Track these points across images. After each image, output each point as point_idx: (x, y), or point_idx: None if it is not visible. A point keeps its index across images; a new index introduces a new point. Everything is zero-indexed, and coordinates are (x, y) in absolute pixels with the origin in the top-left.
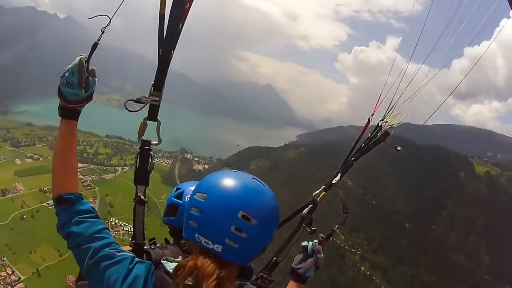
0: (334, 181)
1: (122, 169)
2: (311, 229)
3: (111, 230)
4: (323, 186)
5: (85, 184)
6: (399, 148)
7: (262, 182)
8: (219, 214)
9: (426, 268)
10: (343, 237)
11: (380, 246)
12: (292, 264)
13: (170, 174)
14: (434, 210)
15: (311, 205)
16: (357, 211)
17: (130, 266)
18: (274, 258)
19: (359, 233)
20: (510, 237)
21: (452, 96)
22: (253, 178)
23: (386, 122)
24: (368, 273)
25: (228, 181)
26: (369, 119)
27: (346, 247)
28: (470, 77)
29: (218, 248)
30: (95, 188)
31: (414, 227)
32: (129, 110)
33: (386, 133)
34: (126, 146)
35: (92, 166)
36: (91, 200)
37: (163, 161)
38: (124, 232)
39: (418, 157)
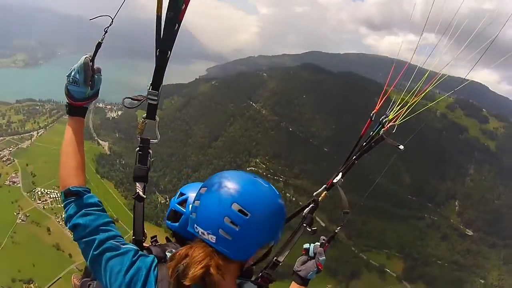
0: (335, 181)
1: (37, 133)
2: (311, 229)
3: (39, 201)
4: (324, 186)
5: (4, 159)
6: (401, 147)
7: (266, 182)
8: (214, 204)
9: (348, 188)
10: (264, 166)
11: (302, 171)
12: (294, 266)
13: (85, 128)
14: (351, 133)
15: (312, 205)
16: (275, 138)
17: (134, 259)
18: (275, 258)
19: (279, 160)
20: (428, 158)
21: (365, 27)
22: (255, 177)
23: (388, 120)
24: (293, 198)
25: (228, 176)
26: (371, 117)
27: (269, 175)
28: (385, 9)
29: (212, 238)
30: (14, 160)
31: (333, 150)
32: (126, 107)
33: (388, 131)
34: (38, 107)
35: (7, 138)
36: (14, 175)
37: None
38: (52, 199)
39: (333, 83)
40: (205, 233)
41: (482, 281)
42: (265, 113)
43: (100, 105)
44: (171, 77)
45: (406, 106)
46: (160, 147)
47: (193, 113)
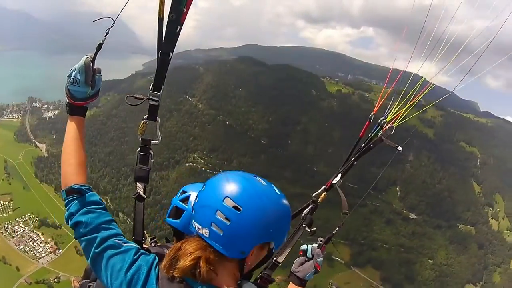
0: (334, 181)
1: None
2: (311, 230)
3: None
4: (323, 187)
5: None
6: (400, 148)
7: (267, 182)
8: (208, 199)
9: (289, 180)
10: (202, 160)
11: (240, 164)
12: (292, 268)
13: (22, 129)
14: (289, 125)
15: (311, 206)
16: (212, 133)
17: (135, 257)
18: (274, 258)
19: (217, 154)
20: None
21: (303, 20)
22: (255, 176)
23: (387, 122)
24: None
25: (227, 174)
26: (369, 118)
27: (208, 170)
28: (323, 3)
29: (206, 233)
30: None
31: (270, 143)
32: (129, 104)
33: (387, 133)
34: None
35: None
36: None
37: (13, 116)
38: None
39: (269, 76)
40: (200, 227)
41: (431, 261)
42: (202, 107)
43: (37, 104)
44: (107, 72)
45: (404, 108)
46: (97, 147)
47: (130, 110)
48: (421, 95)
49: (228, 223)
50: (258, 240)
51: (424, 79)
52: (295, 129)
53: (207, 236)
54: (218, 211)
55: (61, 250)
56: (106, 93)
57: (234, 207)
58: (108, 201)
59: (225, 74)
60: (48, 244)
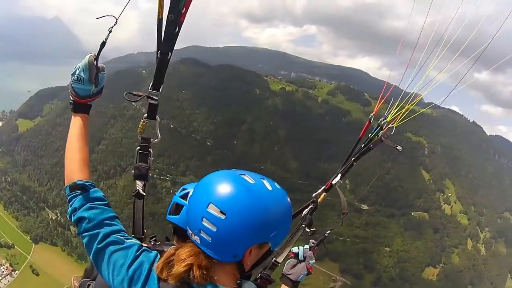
0: (334, 182)
1: None
2: (311, 230)
3: None
4: (323, 187)
5: None
6: (399, 147)
7: (256, 177)
8: (195, 204)
9: None
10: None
11: (187, 167)
12: (283, 270)
13: None
14: (234, 125)
15: (311, 206)
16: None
17: (137, 253)
18: (274, 259)
19: (164, 158)
20: (313, 142)
21: (246, 19)
22: (241, 175)
23: (387, 122)
24: None
25: (213, 175)
26: (369, 119)
27: (155, 176)
28: (266, 2)
29: (197, 239)
30: None
31: (216, 144)
32: (128, 100)
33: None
34: None
35: None
36: None
37: None
38: None
39: (212, 77)
40: (192, 234)
41: (388, 249)
42: (145, 111)
43: None
44: (50, 79)
45: (404, 109)
46: (43, 158)
47: None
48: (420, 97)
49: (215, 229)
50: (250, 242)
51: (422, 81)
52: (240, 129)
53: (199, 242)
54: (204, 218)
55: (16, 272)
56: (49, 101)
57: (219, 213)
58: (59, 215)
59: (168, 77)
60: (3, 266)
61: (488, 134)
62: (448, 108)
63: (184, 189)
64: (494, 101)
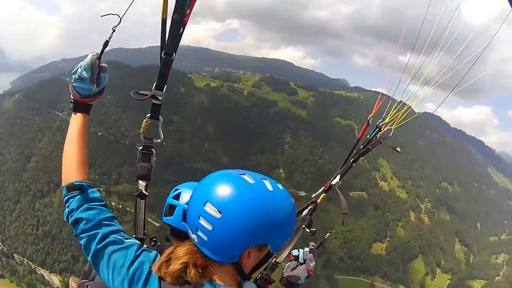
0: (333, 183)
1: None
2: (311, 230)
3: None
4: (322, 188)
5: None
6: (398, 149)
7: (256, 177)
8: (193, 203)
9: (171, 182)
10: None
11: (120, 175)
12: (283, 272)
13: None
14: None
15: (311, 207)
16: (88, 148)
17: (137, 253)
18: (274, 259)
19: (95, 168)
20: (242, 136)
21: (168, 17)
22: (241, 174)
23: (385, 123)
24: (120, 206)
25: (212, 175)
26: (368, 120)
27: None
28: None
29: (195, 238)
30: None
31: None
32: (135, 98)
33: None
34: None
35: None
36: None
37: None
38: None
39: (136, 79)
40: (190, 232)
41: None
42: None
43: None
44: None
45: (402, 111)
46: None
47: (1, 135)
48: (419, 98)
49: (210, 228)
50: (246, 243)
51: (421, 82)
52: (168, 129)
53: (196, 241)
54: (200, 216)
55: None
56: None
57: (215, 211)
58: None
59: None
60: None
61: (417, 111)
62: (375, 90)
63: (176, 189)
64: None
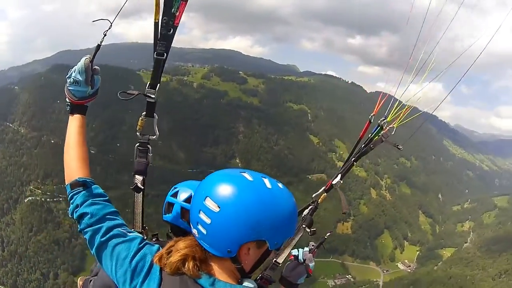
0: (334, 182)
1: None
2: (311, 230)
3: None
4: (323, 188)
5: None
6: (400, 147)
7: (256, 175)
8: (194, 198)
9: (130, 184)
10: (40, 191)
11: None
12: (283, 272)
13: None
14: (114, 128)
15: (311, 206)
16: (41, 157)
17: (140, 246)
18: (274, 259)
19: (52, 178)
20: (195, 129)
21: (114, 15)
22: (241, 172)
23: (387, 122)
24: None
25: (214, 174)
26: (369, 119)
27: (48, 199)
28: None
29: (195, 233)
30: None
31: (100, 150)
32: (122, 99)
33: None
34: None
35: None
36: None
37: None
38: None
39: None
40: (192, 227)
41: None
42: (24, 131)
43: None
44: None
45: (404, 109)
46: None
47: None
48: (419, 98)
49: (209, 222)
50: (243, 238)
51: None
52: (121, 130)
53: (197, 235)
54: (200, 211)
55: None
56: None
57: (214, 206)
58: None
59: (40, 89)
60: None
61: (368, 91)
62: (325, 74)
63: (175, 188)
64: (371, 62)
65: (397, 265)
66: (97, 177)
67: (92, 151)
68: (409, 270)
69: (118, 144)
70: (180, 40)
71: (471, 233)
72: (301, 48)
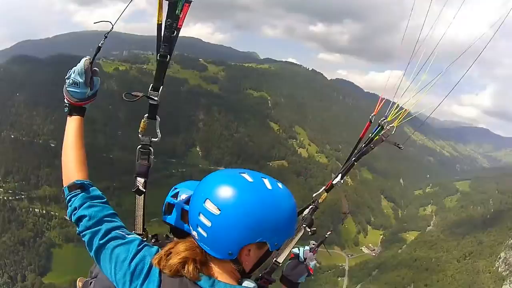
0: (334, 182)
1: None
2: (311, 230)
3: None
4: (323, 187)
5: None
6: (401, 146)
7: (256, 176)
8: (194, 200)
9: (89, 176)
10: (2, 189)
11: (39, 178)
12: (284, 271)
13: None
14: None
15: (312, 206)
16: (2, 154)
17: (139, 248)
18: (274, 259)
19: (13, 175)
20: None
21: (74, 3)
22: (241, 173)
23: (387, 121)
24: (44, 211)
25: (213, 174)
26: (370, 119)
27: (10, 197)
28: None
29: (195, 235)
30: None
31: (60, 143)
32: (127, 100)
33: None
34: None
35: None
36: None
37: None
38: None
39: (44, 71)
40: (191, 229)
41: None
42: None
43: None
44: None
45: (403, 110)
46: None
47: None
48: (417, 101)
49: (209, 225)
50: (244, 240)
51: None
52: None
53: (197, 238)
54: (200, 213)
55: None
56: None
57: (214, 208)
58: None
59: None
60: None
61: (329, 79)
62: (286, 61)
63: (175, 188)
64: (332, 49)
65: (361, 249)
66: (56, 173)
67: (52, 145)
68: (373, 254)
69: None
70: (140, 28)
71: (434, 217)
72: (262, 35)
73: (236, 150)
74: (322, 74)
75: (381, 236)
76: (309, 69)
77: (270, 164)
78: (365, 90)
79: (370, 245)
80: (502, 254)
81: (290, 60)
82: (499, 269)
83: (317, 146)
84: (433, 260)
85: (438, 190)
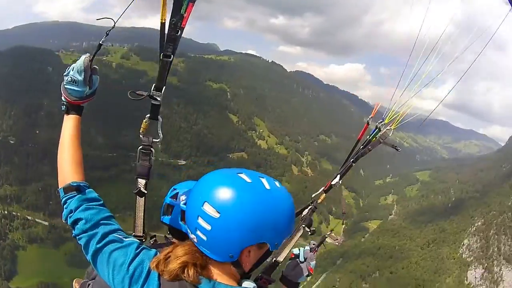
0: (333, 183)
1: None
2: (311, 230)
3: None
4: (322, 188)
5: None
6: (399, 148)
7: (254, 176)
8: (191, 203)
9: (51, 175)
10: None
11: (2, 177)
12: (284, 271)
13: None
14: (33, 114)
15: (311, 207)
16: None
17: (137, 251)
18: (274, 259)
19: None
20: (114, 111)
21: None
22: (239, 173)
23: (384, 124)
24: (5, 211)
25: (210, 174)
26: (367, 122)
27: None
28: None
29: (194, 238)
30: None
31: (20, 140)
32: (132, 98)
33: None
34: None
35: None
36: None
37: None
38: None
39: (4, 63)
40: (190, 232)
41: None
42: None
43: None
44: None
45: (400, 112)
46: None
47: None
48: (413, 104)
49: (209, 228)
50: (245, 242)
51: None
52: (39, 116)
53: (196, 241)
54: (199, 216)
55: None
56: None
57: (213, 212)
58: None
59: None
60: None
61: (288, 71)
62: (245, 52)
63: (174, 189)
64: (292, 42)
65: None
66: (17, 171)
67: (11, 141)
68: (337, 243)
69: (37, 131)
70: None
71: (395, 206)
72: (222, 27)
73: (196, 143)
74: (282, 66)
75: (344, 225)
76: (269, 61)
77: (230, 156)
78: (325, 82)
79: (333, 234)
80: (466, 241)
81: (250, 52)
82: (463, 255)
83: (276, 137)
84: (397, 247)
85: (398, 180)
